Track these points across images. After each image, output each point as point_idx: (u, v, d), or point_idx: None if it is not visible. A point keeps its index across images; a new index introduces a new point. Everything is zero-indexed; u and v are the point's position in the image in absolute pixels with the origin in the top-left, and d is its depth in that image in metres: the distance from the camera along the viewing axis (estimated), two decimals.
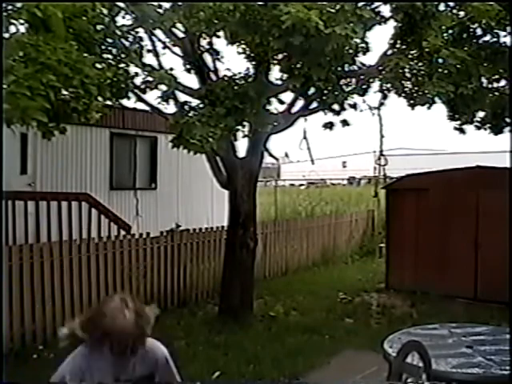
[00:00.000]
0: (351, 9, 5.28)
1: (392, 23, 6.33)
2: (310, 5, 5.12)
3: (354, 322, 7.64)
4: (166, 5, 6.31)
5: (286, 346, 6.42)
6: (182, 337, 6.78)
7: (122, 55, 6.17)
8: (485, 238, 8.67)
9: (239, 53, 7.02)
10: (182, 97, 7.00)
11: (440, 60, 6.35)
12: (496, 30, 6.69)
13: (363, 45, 6.67)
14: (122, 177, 11.57)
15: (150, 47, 7.03)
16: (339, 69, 6.47)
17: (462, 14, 6.61)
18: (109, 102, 6.70)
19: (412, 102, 7.11)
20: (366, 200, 16.31)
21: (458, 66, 6.29)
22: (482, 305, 8.09)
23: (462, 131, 8.76)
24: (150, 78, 6.42)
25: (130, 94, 6.73)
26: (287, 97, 7.41)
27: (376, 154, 13.69)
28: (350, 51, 6.15)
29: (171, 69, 6.69)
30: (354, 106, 8.00)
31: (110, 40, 6.00)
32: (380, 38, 6.97)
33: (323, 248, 12.19)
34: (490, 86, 7.60)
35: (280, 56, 6.47)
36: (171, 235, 8.55)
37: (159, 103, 6.87)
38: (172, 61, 7.63)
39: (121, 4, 6.12)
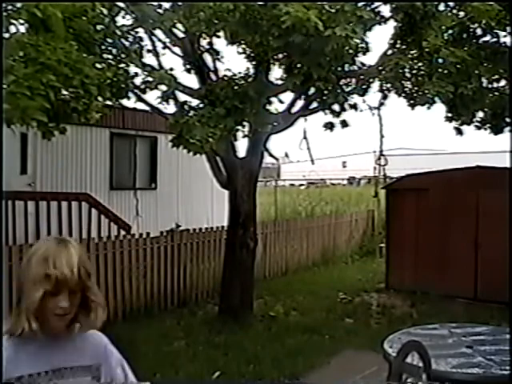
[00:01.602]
0: (351, 9, 5.28)
1: (392, 23, 6.35)
2: (309, 5, 5.12)
3: (354, 321, 7.64)
4: (166, 5, 6.32)
5: (286, 346, 6.42)
6: (182, 337, 6.78)
7: (122, 55, 6.18)
8: (485, 238, 8.67)
9: (239, 53, 7.03)
10: (182, 97, 7.01)
11: (440, 60, 6.36)
12: (496, 30, 6.70)
13: (363, 45, 6.68)
14: (122, 177, 11.56)
15: (150, 47, 7.03)
16: (339, 69, 6.47)
17: (461, 14, 6.61)
18: (109, 102, 6.71)
19: (412, 101, 7.12)
20: (366, 200, 16.30)
21: (458, 66, 6.29)
22: (481, 305, 8.09)
23: (459, 132, 8.76)
24: (149, 78, 6.42)
25: (130, 94, 6.73)
26: (287, 97, 7.43)
27: (376, 154, 13.68)
28: (350, 51, 6.16)
29: (171, 69, 6.70)
30: (354, 107, 8.01)
31: (110, 40, 6.01)
32: (380, 38, 6.98)
33: (323, 248, 12.20)
34: (490, 85, 7.60)
35: (280, 55, 6.48)
36: (171, 235, 8.55)
37: (159, 103, 6.88)
38: (172, 61, 7.64)
39: (121, 4, 6.13)
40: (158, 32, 6.81)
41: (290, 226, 11.42)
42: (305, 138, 8.55)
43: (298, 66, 6.06)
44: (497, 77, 7.43)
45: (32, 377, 1.71)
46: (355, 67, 6.93)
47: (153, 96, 6.87)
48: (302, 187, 27.37)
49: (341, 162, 46.83)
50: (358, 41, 5.68)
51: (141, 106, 7.60)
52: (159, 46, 7.17)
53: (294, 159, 50.07)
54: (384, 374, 4.04)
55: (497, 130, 8.64)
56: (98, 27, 5.64)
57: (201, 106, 6.57)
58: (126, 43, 6.36)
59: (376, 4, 6.32)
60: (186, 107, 6.76)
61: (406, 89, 7.03)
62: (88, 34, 5.29)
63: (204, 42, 7.23)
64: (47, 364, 1.75)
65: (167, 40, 7.16)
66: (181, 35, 6.98)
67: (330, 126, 8.25)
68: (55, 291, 1.66)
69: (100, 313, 1.80)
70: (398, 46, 6.52)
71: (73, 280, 1.66)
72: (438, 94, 6.28)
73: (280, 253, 10.94)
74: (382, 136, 10.87)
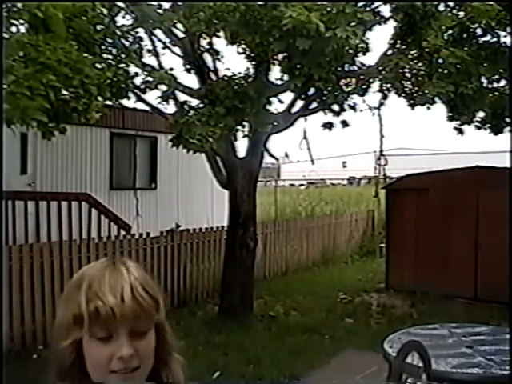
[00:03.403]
0: (351, 11, 5.28)
1: (392, 23, 6.35)
2: (310, 6, 5.12)
3: (354, 321, 7.64)
4: (166, 5, 6.32)
5: (286, 346, 6.42)
6: (182, 337, 6.77)
7: (122, 55, 6.18)
8: (485, 238, 8.67)
9: (239, 53, 7.03)
10: (182, 97, 7.01)
11: (440, 60, 6.37)
12: (496, 30, 6.70)
13: (363, 45, 6.67)
14: (122, 177, 11.56)
15: (150, 47, 7.04)
16: (339, 69, 6.47)
17: (461, 14, 6.62)
18: (109, 102, 6.71)
19: (412, 101, 7.12)
20: (366, 200, 16.30)
21: (458, 66, 6.30)
22: (481, 305, 8.09)
23: (460, 132, 8.77)
24: (149, 78, 6.43)
25: (130, 94, 6.74)
26: (287, 97, 7.43)
27: (376, 154, 13.70)
28: (350, 51, 6.15)
29: (171, 69, 6.70)
30: (353, 107, 8.01)
31: (110, 40, 6.02)
32: (380, 38, 6.98)
33: (323, 248, 12.19)
34: (490, 86, 7.61)
35: (280, 56, 6.48)
36: (171, 235, 8.55)
37: (159, 103, 6.88)
38: (172, 61, 7.65)
39: (121, 4, 6.13)
40: (158, 32, 6.82)
41: (290, 226, 11.42)
42: (305, 137, 8.56)
43: (298, 66, 6.06)
44: (497, 77, 7.43)
45: None
46: (355, 67, 6.93)
47: (153, 96, 6.88)
48: (302, 187, 27.36)
49: (341, 161, 46.79)
50: (358, 41, 5.68)
51: (141, 106, 7.61)
52: (159, 45, 7.18)
53: (294, 159, 50.04)
54: (384, 373, 4.05)
55: (497, 130, 8.65)
56: (98, 27, 5.65)
57: (201, 105, 6.57)
58: (126, 43, 6.36)
59: (376, 4, 6.32)
60: (185, 107, 6.76)
61: (406, 89, 7.03)
62: (88, 34, 5.30)
63: (204, 42, 7.24)
64: None
65: (167, 40, 7.16)
66: (181, 35, 6.99)
67: (328, 126, 8.25)
68: (104, 334, 1.06)
69: (180, 363, 1.22)
70: (398, 46, 6.53)
71: (129, 312, 1.06)
72: (439, 95, 6.29)
73: (280, 253, 10.93)
74: (382, 136, 10.89)
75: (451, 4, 6.61)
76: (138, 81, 6.59)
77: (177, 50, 7.27)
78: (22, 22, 4.39)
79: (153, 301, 1.12)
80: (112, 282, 1.08)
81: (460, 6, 6.53)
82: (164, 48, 7.23)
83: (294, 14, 4.90)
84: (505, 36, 6.82)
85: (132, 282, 1.09)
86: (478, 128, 8.71)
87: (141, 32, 6.59)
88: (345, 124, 8.30)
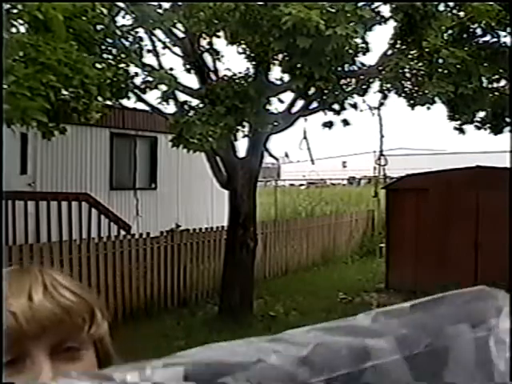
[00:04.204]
0: (351, 9, 5.29)
1: (392, 23, 6.35)
2: (310, 5, 5.13)
3: None
4: (166, 5, 6.32)
5: None
6: (182, 337, 6.78)
7: (122, 55, 6.18)
8: (485, 238, 8.67)
9: (239, 53, 7.03)
10: (182, 97, 7.02)
11: (440, 60, 6.37)
12: (496, 30, 6.70)
13: (363, 45, 6.68)
14: (122, 177, 11.57)
15: (150, 47, 7.04)
16: (339, 69, 6.47)
17: (462, 14, 6.62)
18: (109, 102, 6.71)
19: (412, 102, 7.13)
20: (366, 200, 16.31)
21: (458, 66, 6.30)
22: None
23: (461, 131, 8.79)
24: (149, 78, 6.43)
25: (130, 94, 6.74)
26: (287, 97, 7.44)
27: (376, 154, 13.67)
28: (350, 51, 6.16)
29: (171, 69, 6.71)
30: (354, 106, 8.02)
31: (110, 40, 6.02)
32: (380, 38, 6.98)
33: (323, 248, 12.20)
34: (490, 86, 7.61)
35: (280, 56, 6.48)
36: (171, 235, 8.56)
37: (159, 103, 6.88)
38: (172, 61, 7.65)
39: (121, 4, 6.13)
40: (158, 32, 6.82)
41: (290, 225, 11.42)
42: (305, 137, 8.56)
43: (299, 66, 6.06)
44: (497, 77, 7.43)
45: None
46: (355, 67, 6.93)
47: (153, 96, 6.89)
48: (302, 187, 27.36)
49: (341, 161, 46.80)
50: (358, 40, 5.69)
51: (141, 106, 7.61)
52: (159, 45, 7.18)
53: (294, 159, 50.01)
54: None
55: (497, 130, 8.65)
56: (98, 27, 5.65)
57: (201, 105, 6.58)
58: (126, 43, 6.37)
59: (376, 4, 6.32)
60: (186, 107, 6.76)
61: (405, 89, 7.04)
62: (88, 34, 5.30)
63: (204, 42, 7.24)
64: None
65: (167, 40, 7.16)
66: (181, 35, 6.99)
67: (329, 125, 8.26)
68: (8, 357, 0.68)
69: None
70: (398, 46, 6.53)
71: (43, 315, 0.71)
72: (439, 95, 6.29)
73: (280, 253, 10.94)
74: (382, 136, 10.87)
75: (451, 4, 6.61)
76: (138, 81, 6.61)
77: (177, 49, 7.28)
78: (21, 22, 4.39)
79: (83, 302, 0.75)
80: (15, 284, 0.73)
81: (460, 6, 6.53)
82: (164, 48, 7.23)
83: (293, 12, 4.90)
84: (505, 36, 6.84)
85: (46, 281, 0.75)
86: (478, 128, 8.71)
87: (141, 32, 6.59)
88: (345, 123, 8.30)
